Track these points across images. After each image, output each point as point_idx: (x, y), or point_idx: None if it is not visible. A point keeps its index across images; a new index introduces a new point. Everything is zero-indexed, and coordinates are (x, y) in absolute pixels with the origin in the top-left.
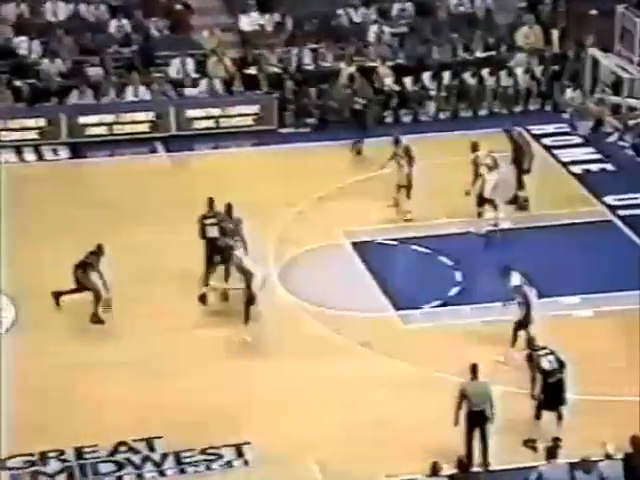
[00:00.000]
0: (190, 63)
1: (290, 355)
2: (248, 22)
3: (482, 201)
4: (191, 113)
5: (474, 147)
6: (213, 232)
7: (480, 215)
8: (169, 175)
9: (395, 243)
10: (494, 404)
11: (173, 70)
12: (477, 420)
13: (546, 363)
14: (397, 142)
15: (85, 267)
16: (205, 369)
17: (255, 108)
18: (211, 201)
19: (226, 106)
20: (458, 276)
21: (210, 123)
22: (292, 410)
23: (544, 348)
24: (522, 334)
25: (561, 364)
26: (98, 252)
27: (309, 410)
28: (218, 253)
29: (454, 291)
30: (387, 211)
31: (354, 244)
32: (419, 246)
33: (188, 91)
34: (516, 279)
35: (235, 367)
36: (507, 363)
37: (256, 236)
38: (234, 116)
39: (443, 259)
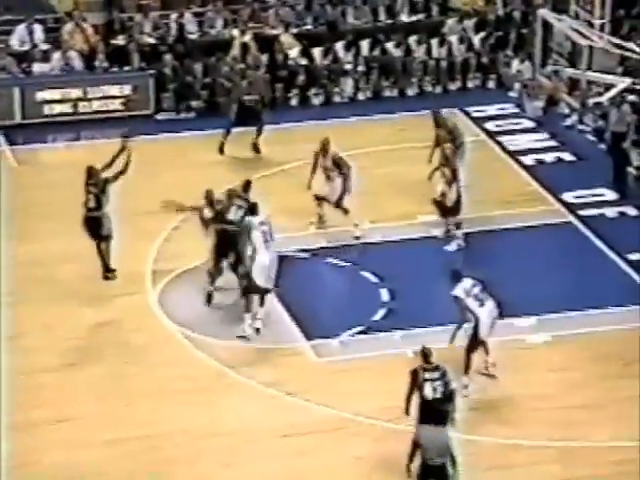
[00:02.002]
0: (38, 31)
1: (174, 399)
2: None
3: (457, 206)
4: (42, 95)
5: (440, 139)
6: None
7: (459, 227)
8: (14, 175)
9: (305, 255)
10: (456, 458)
11: (16, 40)
12: (435, 477)
13: (429, 390)
14: (324, 152)
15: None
16: (63, 412)
17: (125, 89)
18: (247, 184)
19: (87, 86)
20: (384, 295)
21: (67, 108)
22: (177, 468)
23: (436, 369)
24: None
25: (448, 397)
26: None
27: (200, 468)
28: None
29: (380, 314)
30: (293, 216)
31: None
32: (336, 258)
33: (37, 67)
34: (460, 289)
35: (103, 412)
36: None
37: (128, 250)
38: (98, 99)
39: (366, 274)
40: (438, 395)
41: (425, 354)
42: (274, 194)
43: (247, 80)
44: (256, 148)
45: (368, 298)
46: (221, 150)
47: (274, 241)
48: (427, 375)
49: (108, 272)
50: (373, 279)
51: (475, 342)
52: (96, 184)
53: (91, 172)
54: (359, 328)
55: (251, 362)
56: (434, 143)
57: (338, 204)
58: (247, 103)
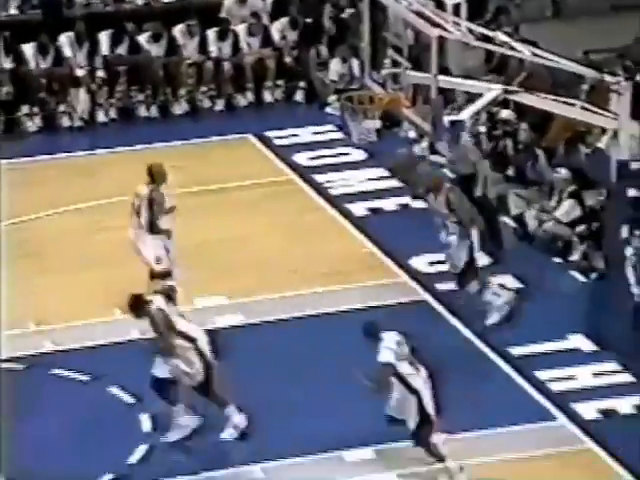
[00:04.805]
0: None
1: None
2: None
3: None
4: None
5: None
6: None
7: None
8: None
9: (18, 366)
10: None
11: None
12: None
13: None
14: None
15: None
16: None
17: None
18: None
19: None
20: (146, 423)
21: None
22: None
23: None
24: None
25: None
26: None
27: None
28: None
29: (138, 454)
30: None
31: None
32: (67, 369)
33: None
34: (388, 353)
35: None
36: None
37: None
38: None
39: (115, 392)
40: None
41: None
42: None
43: None
44: None
45: (120, 429)
46: None
47: None
48: None
49: None
50: (127, 399)
51: (429, 424)
52: None
53: None
54: (108, 477)
55: None
56: None
57: None
58: None
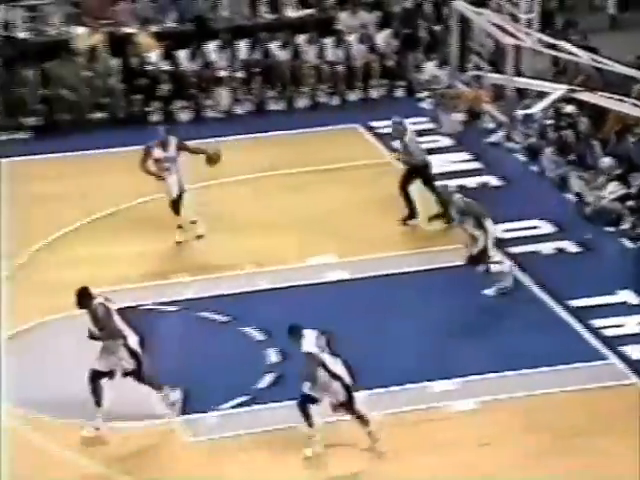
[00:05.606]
0: None
1: None
2: None
3: None
4: None
5: None
6: None
7: None
8: None
9: (173, 308)
10: None
11: None
12: None
13: None
14: None
15: None
16: None
17: None
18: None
19: None
20: (273, 356)
21: None
22: None
23: None
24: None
25: None
26: None
27: None
28: None
29: (266, 381)
30: (157, 259)
31: None
32: (210, 312)
33: None
34: (309, 344)
35: None
36: None
37: None
38: None
39: (248, 331)
40: None
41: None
42: (125, 230)
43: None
44: None
45: (252, 361)
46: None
47: None
48: None
49: None
50: (258, 336)
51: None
52: None
53: None
54: (242, 398)
55: (107, 446)
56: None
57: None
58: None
